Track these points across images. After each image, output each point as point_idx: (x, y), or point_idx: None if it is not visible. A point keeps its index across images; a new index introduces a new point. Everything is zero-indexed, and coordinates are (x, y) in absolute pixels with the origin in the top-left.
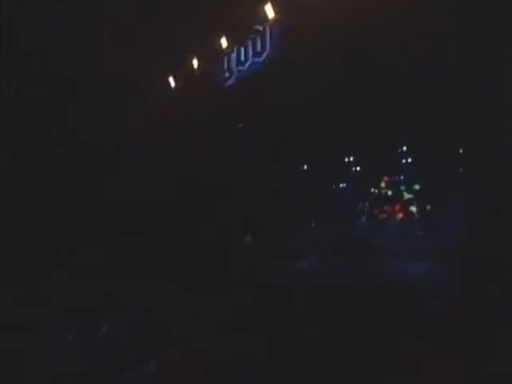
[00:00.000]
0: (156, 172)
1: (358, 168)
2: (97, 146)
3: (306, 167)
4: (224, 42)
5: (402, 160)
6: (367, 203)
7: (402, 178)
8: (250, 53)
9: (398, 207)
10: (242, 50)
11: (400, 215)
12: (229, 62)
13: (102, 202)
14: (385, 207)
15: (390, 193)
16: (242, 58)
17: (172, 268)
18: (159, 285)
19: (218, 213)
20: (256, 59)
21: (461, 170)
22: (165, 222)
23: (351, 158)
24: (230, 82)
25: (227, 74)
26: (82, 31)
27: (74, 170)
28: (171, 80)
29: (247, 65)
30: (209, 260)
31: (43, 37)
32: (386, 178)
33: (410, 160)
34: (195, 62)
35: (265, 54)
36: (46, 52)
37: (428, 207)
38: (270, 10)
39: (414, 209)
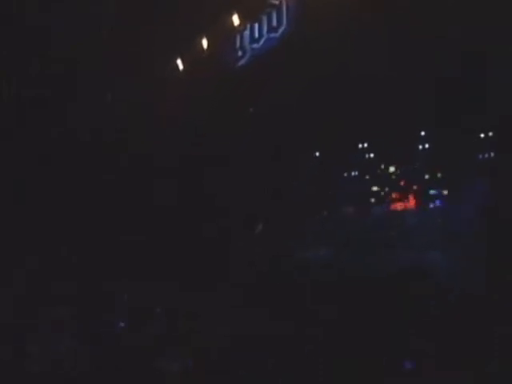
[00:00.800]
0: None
1: (372, 155)
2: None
3: (317, 154)
4: (236, 20)
5: (418, 146)
6: (381, 192)
7: (416, 165)
8: (265, 29)
9: (411, 194)
10: (256, 26)
11: (412, 202)
12: (241, 39)
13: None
14: (397, 194)
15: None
16: (256, 34)
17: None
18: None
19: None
20: (272, 35)
21: (480, 156)
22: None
23: (365, 145)
24: (242, 62)
25: (240, 53)
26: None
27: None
28: (179, 63)
29: (262, 41)
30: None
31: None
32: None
33: (427, 146)
34: (205, 43)
35: (281, 29)
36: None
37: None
38: None
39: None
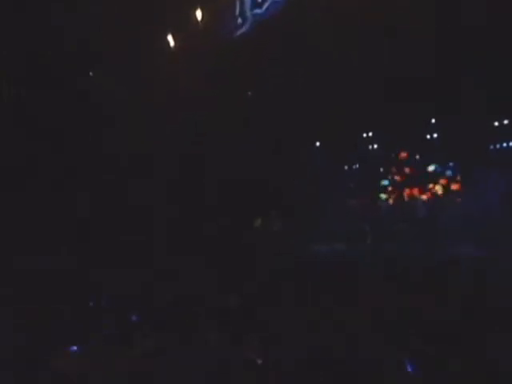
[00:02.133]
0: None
1: (376, 146)
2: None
3: (318, 144)
4: None
5: (426, 135)
6: (387, 184)
7: (424, 155)
8: None
9: (419, 185)
10: None
11: (421, 193)
12: (242, 5)
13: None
14: (405, 186)
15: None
16: None
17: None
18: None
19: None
20: None
21: (491, 147)
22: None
23: (370, 134)
24: (243, 30)
25: (239, 21)
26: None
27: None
28: (170, 39)
29: (266, 5)
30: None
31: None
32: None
33: (435, 135)
34: (199, 13)
35: None
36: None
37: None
38: None
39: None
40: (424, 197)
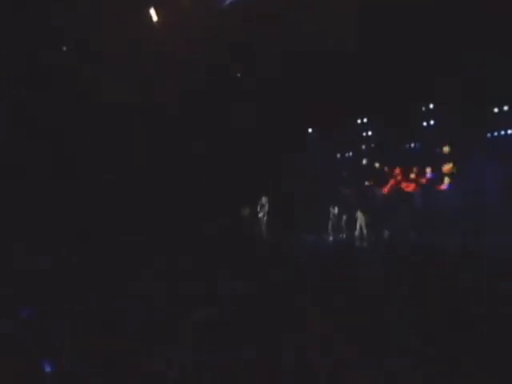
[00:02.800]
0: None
1: (370, 133)
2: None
3: (310, 131)
4: None
5: (422, 122)
6: (383, 173)
7: (419, 144)
8: None
9: (414, 176)
10: None
11: (416, 185)
12: None
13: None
14: (399, 176)
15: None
16: None
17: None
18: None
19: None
20: None
21: (488, 135)
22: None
23: (365, 120)
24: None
25: None
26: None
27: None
28: (153, 14)
29: None
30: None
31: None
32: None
33: (432, 122)
34: None
35: None
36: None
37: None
38: None
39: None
40: (416, 188)
